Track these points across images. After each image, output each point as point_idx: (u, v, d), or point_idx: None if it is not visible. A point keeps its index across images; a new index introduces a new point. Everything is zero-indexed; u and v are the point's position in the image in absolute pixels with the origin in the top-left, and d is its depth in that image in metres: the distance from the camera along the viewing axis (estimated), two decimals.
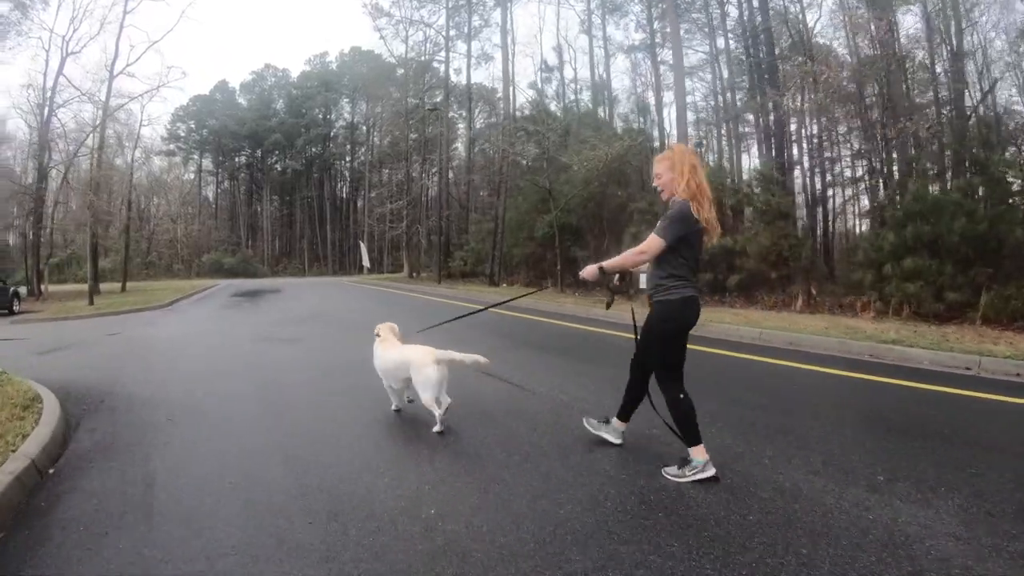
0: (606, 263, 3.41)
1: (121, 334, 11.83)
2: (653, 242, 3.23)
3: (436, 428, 4.26)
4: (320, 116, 71.13)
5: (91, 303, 18.98)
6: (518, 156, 28.91)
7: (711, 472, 3.22)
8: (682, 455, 3.36)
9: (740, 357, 7.75)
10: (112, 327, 13.19)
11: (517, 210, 28.67)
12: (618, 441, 3.86)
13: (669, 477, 3.28)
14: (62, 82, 26.63)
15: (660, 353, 3.39)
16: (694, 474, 3.22)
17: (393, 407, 4.84)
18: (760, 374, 6.81)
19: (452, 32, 37.06)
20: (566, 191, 23.48)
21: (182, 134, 68.20)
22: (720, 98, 27.01)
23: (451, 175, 40.85)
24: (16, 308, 18.99)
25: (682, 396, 3.32)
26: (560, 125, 26.67)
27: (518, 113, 33.14)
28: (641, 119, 28.94)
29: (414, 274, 39.19)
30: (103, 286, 29.26)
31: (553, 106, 32.52)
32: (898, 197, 15.26)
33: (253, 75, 73.25)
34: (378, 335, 4.80)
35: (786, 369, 6.97)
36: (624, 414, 3.82)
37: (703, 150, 28.25)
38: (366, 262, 40.03)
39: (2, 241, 43.40)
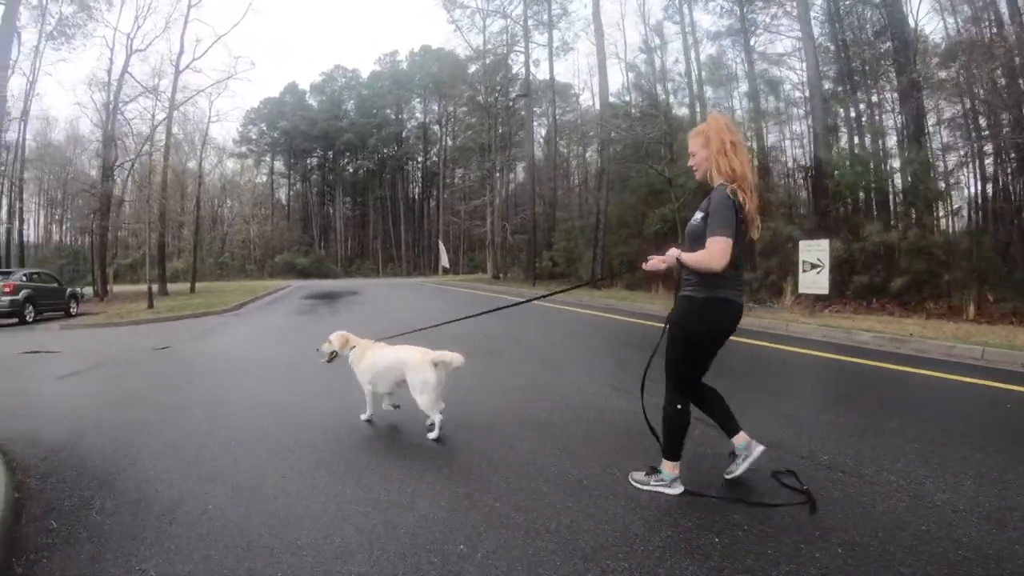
0: (686, 255, 2.77)
1: (170, 348, 9.03)
2: (718, 245, 2.65)
3: (432, 435, 3.97)
4: (391, 116, 70.43)
5: (150, 306, 17.35)
6: (619, 142, 25.49)
7: (678, 490, 2.97)
8: (652, 464, 3.10)
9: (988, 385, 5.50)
10: (164, 337, 10.59)
11: (621, 204, 26.01)
12: (759, 449, 3.07)
13: (633, 483, 3.09)
14: (127, 79, 26.28)
15: (677, 355, 2.92)
16: (658, 486, 3.00)
17: (366, 416, 4.43)
18: None
19: (530, 22, 34.94)
20: (680, 181, 20.56)
21: (253, 136, 68.63)
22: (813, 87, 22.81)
23: (534, 171, 37.72)
24: (74, 310, 18.16)
25: (680, 407, 2.95)
26: (665, 108, 24.04)
27: (612, 99, 29.51)
28: (771, 98, 24.53)
29: (499, 275, 36.33)
30: (173, 287, 28.57)
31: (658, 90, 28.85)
32: None
33: (323, 76, 73.06)
34: (332, 343, 4.47)
35: None
36: (730, 426, 3.13)
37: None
38: (445, 262, 37.47)
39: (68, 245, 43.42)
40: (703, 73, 26.83)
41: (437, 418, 3.95)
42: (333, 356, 4.42)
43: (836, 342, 8.37)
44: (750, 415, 3.62)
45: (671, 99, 28.13)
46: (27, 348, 9.46)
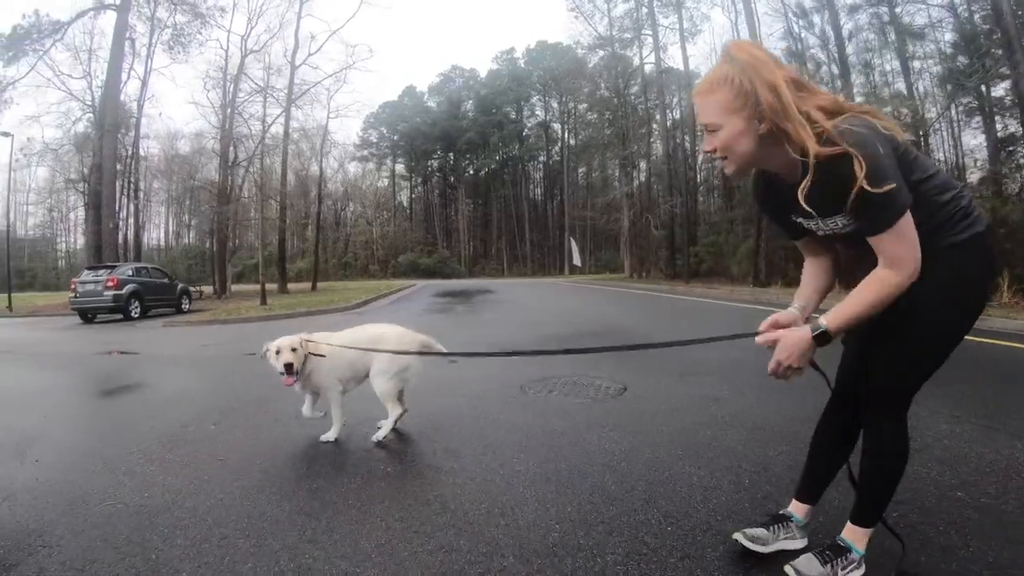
0: (832, 320, 1.61)
1: (255, 356, 6.04)
2: (898, 238, 1.51)
3: (378, 436, 3.29)
4: (512, 114, 69.07)
5: (263, 302, 15.92)
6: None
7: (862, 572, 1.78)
8: (831, 540, 1.86)
9: None
10: (265, 339, 7.72)
11: None
12: (802, 542, 1.98)
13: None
14: (243, 79, 26.62)
15: (930, 354, 1.68)
16: (848, 571, 1.76)
17: (306, 411, 3.50)
18: None
19: (656, 3, 32.13)
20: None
21: (374, 140, 69.48)
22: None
23: (670, 163, 33.83)
24: (186, 307, 17.70)
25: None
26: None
27: None
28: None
29: (641, 273, 32.56)
30: (295, 285, 28.49)
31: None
32: None
33: (440, 77, 72.82)
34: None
35: None
36: (812, 491, 2.01)
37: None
38: (576, 260, 34.35)
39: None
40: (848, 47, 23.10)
41: (398, 412, 3.30)
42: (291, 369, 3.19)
43: None
44: None
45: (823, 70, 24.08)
46: (108, 348, 8.48)
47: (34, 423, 4.11)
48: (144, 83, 26.39)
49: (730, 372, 4.88)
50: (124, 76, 24.20)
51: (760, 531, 1.97)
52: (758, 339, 1.72)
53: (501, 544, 2.08)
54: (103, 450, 3.35)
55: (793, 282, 18.38)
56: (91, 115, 24.43)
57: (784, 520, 1.99)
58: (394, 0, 35.76)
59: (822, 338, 1.60)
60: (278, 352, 3.16)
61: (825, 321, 1.60)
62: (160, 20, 25.88)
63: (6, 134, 21.84)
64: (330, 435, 3.33)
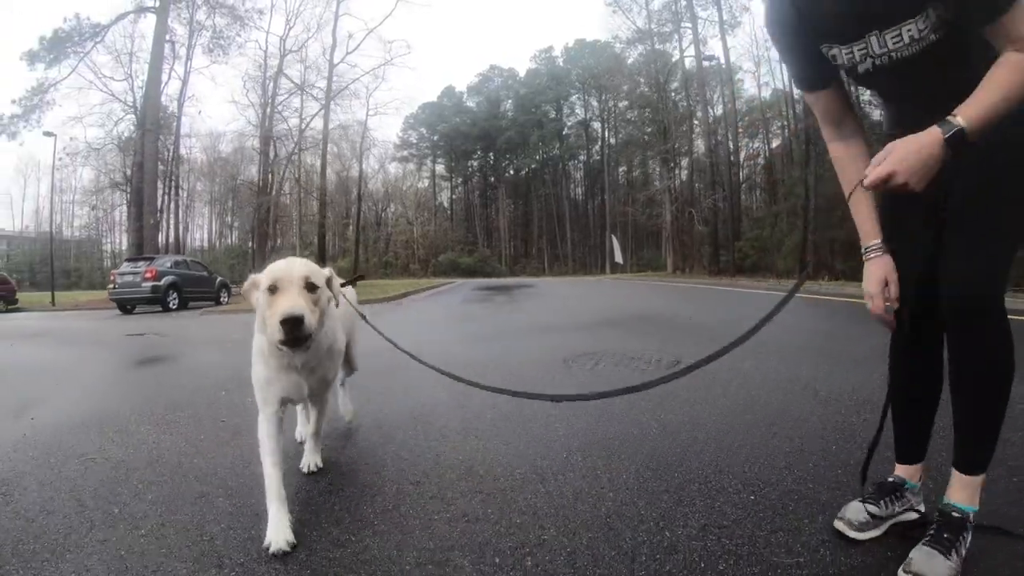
0: (969, 114, 1.11)
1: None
2: None
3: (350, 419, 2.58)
4: (551, 113, 68.29)
5: None
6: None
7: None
8: (940, 512, 1.38)
9: None
10: None
11: (833, 180, 20.52)
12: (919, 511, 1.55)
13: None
14: (282, 78, 27.52)
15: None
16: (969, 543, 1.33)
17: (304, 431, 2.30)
18: None
19: None
20: None
21: (414, 140, 69.33)
22: None
23: (713, 158, 32.95)
24: (225, 300, 17.59)
25: None
26: None
27: None
28: None
29: (684, 269, 31.86)
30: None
31: None
32: None
33: (479, 77, 72.15)
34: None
35: None
36: (913, 449, 1.57)
37: None
38: (619, 258, 33.57)
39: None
40: None
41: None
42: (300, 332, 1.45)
43: None
44: None
45: None
46: (139, 332, 8.42)
47: (44, 389, 3.91)
48: (184, 83, 27.08)
49: (788, 347, 4.36)
50: (164, 77, 24.80)
51: (866, 509, 1.49)
52: (867, 180, 1.19)
53: (539, 514, 1.64)
54: (103, 412, 3.08)
55: (841, 276, 18.12)
56: (133, 115, 25.00)
57: (896, 489, 1.53)
58: (431, 3, 36.17)
59: (957, 142, 1.11)
60: (272, 290, 1.52)
61: (961, 118, 1.11)
62: (199, 23, 26.50)
63: (49, 134, 22.38)
64: (350, 412, 2.62)
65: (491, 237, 68.65)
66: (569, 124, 69.74)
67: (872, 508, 1.48)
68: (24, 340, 8.03)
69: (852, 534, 1.46)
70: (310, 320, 1.44)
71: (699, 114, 33.29)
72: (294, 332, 1.41)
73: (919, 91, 1.31)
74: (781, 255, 23.95)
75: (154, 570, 1.39)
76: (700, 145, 35.41)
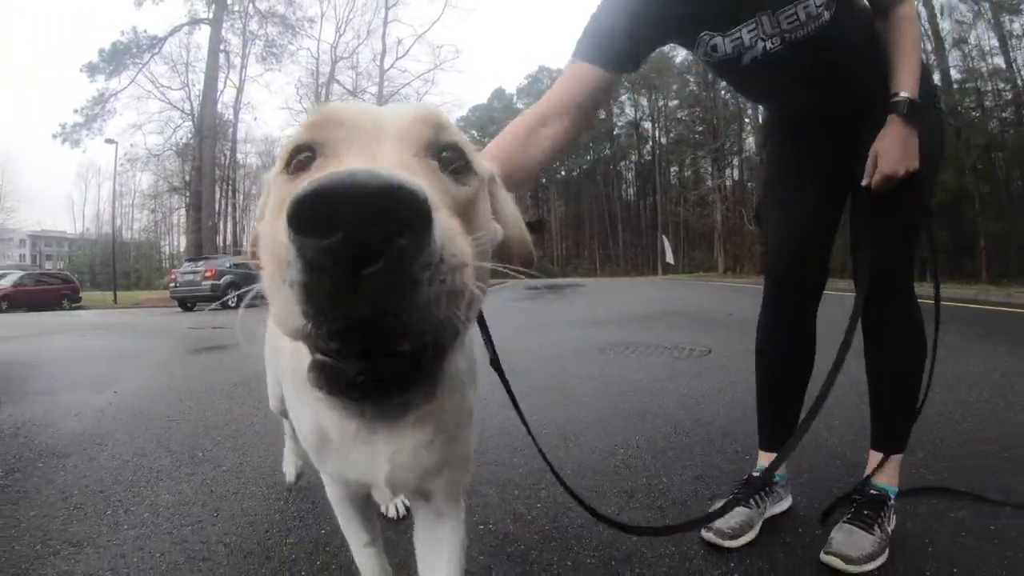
0: (907, 85, 1.20)
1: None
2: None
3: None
4: (601, 113, 67.52)
5: None
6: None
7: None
8: (856, 489, 1.38)
9: None
10: None
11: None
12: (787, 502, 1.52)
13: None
14: (334, 85, 28.46)
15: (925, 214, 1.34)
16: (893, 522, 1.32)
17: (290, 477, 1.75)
18: None
19: None
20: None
21: None
22: None
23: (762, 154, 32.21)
24: None
25: None
26: None
27: None
28: None
29: (735, 269, 31.39)
30: None
31: None
32: None
33: (528, 78, 72.44)
34: None
35: None
36: (781, 432, 1.48)
37: None
38: (670, 258, 33.07)
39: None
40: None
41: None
42: None
43: None
44: None
45: None
46: (201, 325, 8.75)
47: (120, 369, 4.36)
48: (239, 91, 28.26)
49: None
50: (220, 85, 25.98)
51: (736, 515, 1.36)
52: (874, 184, 1.22)
53: (560, 463, 1.90)
54: (177, 386, 3.48)
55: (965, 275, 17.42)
56: (190, 123, 26.24)
57: (766, 484, 1.44)
58: (478, 2, 36.55)
59: (914, 112, 1.18)
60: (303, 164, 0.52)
61: (904, 90, 1.18)
62: (252, 32, 27.57)
63: (111, 141, 23.69)
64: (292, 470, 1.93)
65: (543, 237, 68.94)
66: (620, 124, 69.47)
67: (739, 514, 1.37)
68: (94, 332, 8.66)
69: (727, 543, 1.32)
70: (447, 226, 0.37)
71: (749, 112, 32.83)
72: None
73: (804, 81, 1.29)
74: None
75: (235, 492, 1.73)
76: (751, 143, 34.85)
